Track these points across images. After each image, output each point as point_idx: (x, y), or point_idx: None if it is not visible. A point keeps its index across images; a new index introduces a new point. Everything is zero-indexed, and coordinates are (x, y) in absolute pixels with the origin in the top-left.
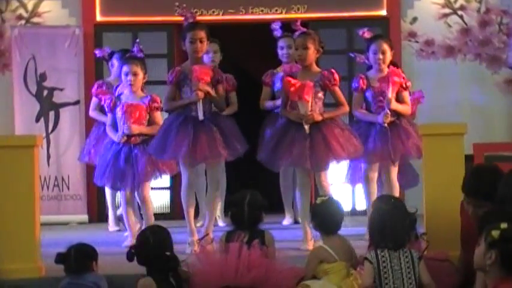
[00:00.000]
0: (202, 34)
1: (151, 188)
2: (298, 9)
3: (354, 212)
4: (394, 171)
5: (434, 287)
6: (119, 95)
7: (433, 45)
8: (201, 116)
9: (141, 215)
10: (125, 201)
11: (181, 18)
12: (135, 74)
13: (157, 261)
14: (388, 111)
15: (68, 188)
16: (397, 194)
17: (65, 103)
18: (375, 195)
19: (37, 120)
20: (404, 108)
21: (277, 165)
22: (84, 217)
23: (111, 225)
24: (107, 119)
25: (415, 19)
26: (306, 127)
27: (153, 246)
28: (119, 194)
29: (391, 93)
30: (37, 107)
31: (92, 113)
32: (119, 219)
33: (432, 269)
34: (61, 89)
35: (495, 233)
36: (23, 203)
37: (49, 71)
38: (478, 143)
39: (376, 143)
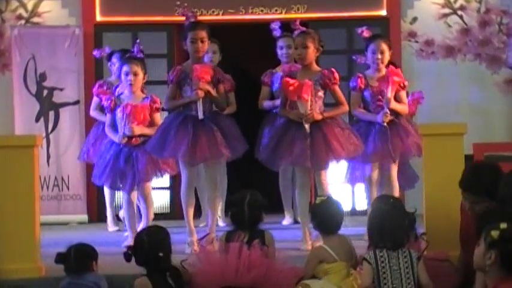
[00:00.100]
0: (203, 34)
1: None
2: (298, 9)
3: (354, 212)
4: (395, 169)
5: (432, 287)
6: (119, 95)
7: (433, 45)
8: (201, 115)
9: (140, 215)
10: (126, 201)
11: (182, 18)
12: (135, 74)
13: (153, 261)
14: (388, 111)
15: (68, 188)
16: (396, 192)
17: (64, 103)
18: (375, 195)
19: (37, 120)
20: (402, 108)
21: (277, 164)
22: (84, 217)
23: (110, 225)
24: (106, 119)
25: (415, 19)
26: (307, 126)
27: (147, 247)
28: (118, 194)
29: (390, 93)
30: (37, 107)
31: (93, 113)
32: (118, 219)
33: (432, 269)
34: (61, 89)
35: (495, 233)
36: (23, 203)
37: (49, 71)
38: (478, 143)
39: (376, 142)
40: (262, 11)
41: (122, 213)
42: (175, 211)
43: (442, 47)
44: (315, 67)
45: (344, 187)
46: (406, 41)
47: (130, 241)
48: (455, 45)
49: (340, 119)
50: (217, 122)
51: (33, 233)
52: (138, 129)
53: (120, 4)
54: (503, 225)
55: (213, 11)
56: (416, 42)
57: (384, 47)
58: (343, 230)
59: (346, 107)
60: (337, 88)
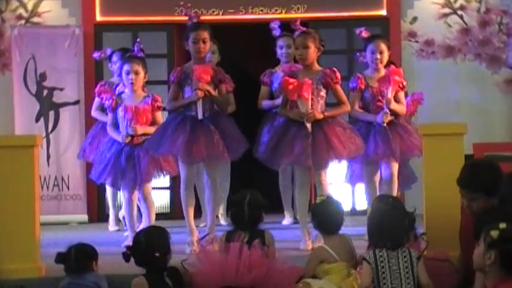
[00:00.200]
0: (205, 34)
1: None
2: (298, 9)
3: (354, 212)
4: (395, 168)
5: (432, 287)
6: (120, 94)
7: (433, 45)
8: (200, 115)
9: (141, 215)
10: (126, 201)
11: (182, 18)
12: (136, 73)
13: (150, 261)
14: (388, 111)
15: (68, 188)
16: (395, 191)
17: (64, 103)
18: (376, 195)
19: (37, 120)
20: (401, 108)
21: (277, 163)
22: (84, 217)
23: (111, 225)
24: (108, 119)
25: (415, 19)
26: (308, 125)
27: (144, 247)
28: (120, 194)
29: (390, 93)
30: (37, 106)
31: (94, 113)
32: (118, 219)
33: (432, 269)
34: (61, 89)
35: (494, 234)
36: (23, 203)
37: (49, 70)
38: (478, 143)
39: (377, 142)
40: (262, 11)
41: (121, 213)
42: (175, 211)
43: (442, 47)
44: (316, 67)
45: (344, 187)
46: (406, 41)
47: (130, 241)
48: (455, 45)
49: (341, 119)
50: (217, 122)
51: (33, 233)
52: (141, 129)
53: (120, 4)
54: (502, 225)
55: (213, 11)
56: (417, 42)
57: (383, 47)
58: (343, 230)
59: (347, 107)
60: (338, 87)
